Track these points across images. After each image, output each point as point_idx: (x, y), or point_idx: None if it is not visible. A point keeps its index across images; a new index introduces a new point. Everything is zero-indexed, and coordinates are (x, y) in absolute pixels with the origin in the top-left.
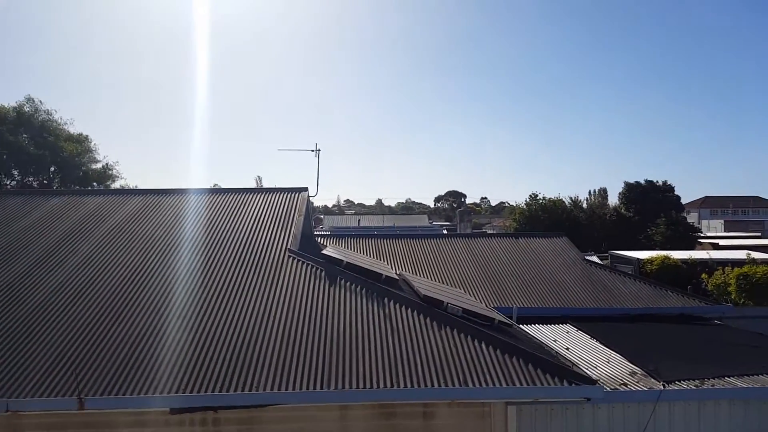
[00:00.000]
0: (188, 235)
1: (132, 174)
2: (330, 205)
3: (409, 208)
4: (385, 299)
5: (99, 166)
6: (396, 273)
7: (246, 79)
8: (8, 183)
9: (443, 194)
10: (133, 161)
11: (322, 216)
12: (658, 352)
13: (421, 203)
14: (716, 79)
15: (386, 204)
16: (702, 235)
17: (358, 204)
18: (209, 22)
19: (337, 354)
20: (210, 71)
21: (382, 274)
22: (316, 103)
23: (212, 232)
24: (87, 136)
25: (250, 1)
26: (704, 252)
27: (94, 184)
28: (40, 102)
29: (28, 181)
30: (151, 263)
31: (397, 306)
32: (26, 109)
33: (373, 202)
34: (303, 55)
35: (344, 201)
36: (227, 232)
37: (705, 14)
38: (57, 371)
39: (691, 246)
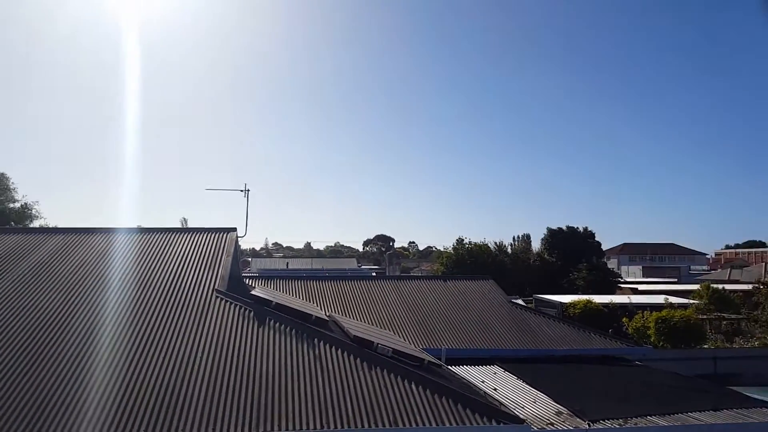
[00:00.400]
0: (113, 275)
1: (53, 214)
2: (258, 248)
3: (337, 251)
4: (315, 340)
5: (17, 205)
6: (326, 314)
7: (172, 118)
8: None
9: (372, 238)
10: (55, 201)
11: (249, 259)
12: (583, 392)
13: (350, 247)
14: (631, 132)
15: (315, 247)
16: (622, 280)
17: (286, 247)
18: (133, 57)
19: (266, 395)
20: (135, 108)
21: (311, 315)
22: (243, 145)
23: (138, 271)
24: (4, 173)
25: (175, 36)
26: (624, 296)
27: (12, 223)
28: None
29: None
30: (73, 304)
31: (327, 346)
32: None
33: (301, 245)
34: (230, 95)
35: (272, 244)
36: (153, 271)
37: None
38: None
39: (612, 291)
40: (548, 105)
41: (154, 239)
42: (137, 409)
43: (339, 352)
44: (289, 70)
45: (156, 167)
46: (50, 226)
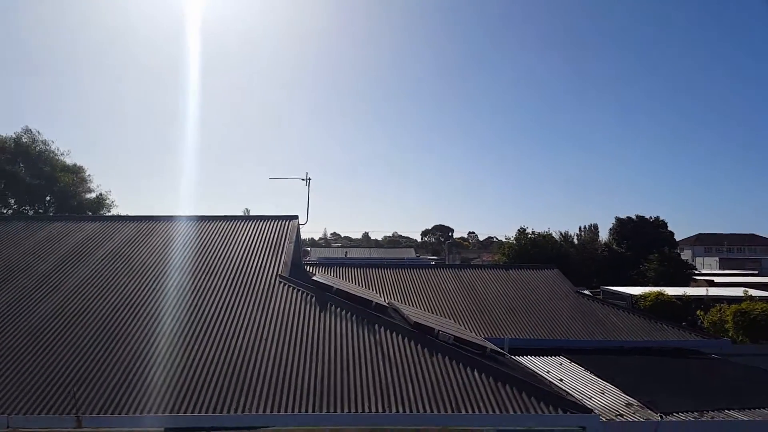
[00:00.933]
0: (181, 261)
1: (124, 203)
2: (317, 238)
3: (395, 241)
4: (376, 325)
5: (93, 195)
6: (386, 301)
7: (234, 111)
8: (5, 212)
9: (430, 228)
10: (125, 190)
11: (308, 248)
12: (655, 385)
13: (407, 237)
14: (709, 114)
15: (373, 237)
16: (697, 272)
17: (344, 237)
18: (200, 54)
19: (328, 378)
20: (201, 102)
21: (372, 301)
22: (303, 135)
23: (204, 257)
24: (81, 166)
25: (244, 35)
26: (700, 289)
27: (88, 213)
28: (38, 132)
29: (25, 210)
30: (145, 288)
31: (388, 332)
32: (24, 140)
33: (359, 236)
34: (289, 86)
35: (330, 234)
36: (219, 258)
37: (698, 55)
38: (55, 390)
39: (686, 283)
40: (619, 96)
41: (220, 227)
42: (205, 386)
43: (400, 337)
44: (350, 60)
45: (223, 159)
46: (124, 215)
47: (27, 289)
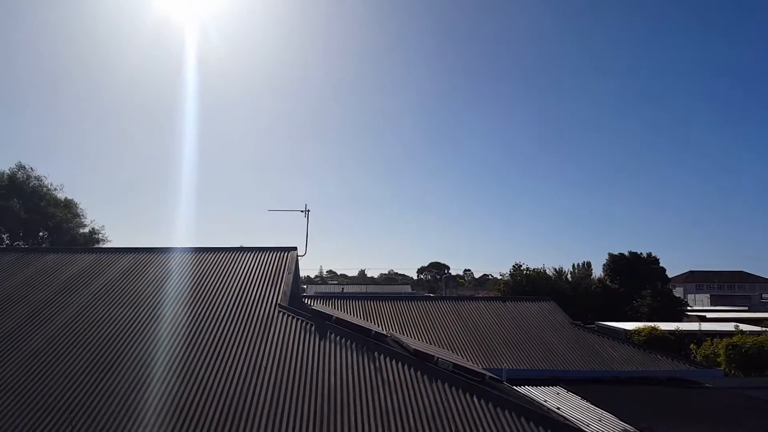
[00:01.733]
0: (179, 292)
1: (117, 237)
2: (312, 275)
3: (391, 279)
4: (375, 353)
5: (86, 230)
6: (385, 331)
7: (233, 145)
8: None
9: (426, 265)
10: (118, 224)
11: (305, 285)
12: (652, 413)
13: (403, 274)
14: (702, 157)
15: (369, 275)
16: (689, 308)
17: (340, 275)
18: (195, 83)
19: (328, 406)
20: (194, 134)
21: (371, 330)
22: (302, 167)
23: (203, 288)
24: (73, 200)
25: (239, 62)
26: (692, 324)
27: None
28: (31, 168)
29: (18, 245)
30: (142, 318)
31: (388, 359)
32: (18, 175)
33: (355, 273)
34: (288, 119)
35: (326, 272)
36: (217, 288)
37: (694, 94)
38: (51, 417)
39: (678, 319)
40: (615, 131)
41: (218, 258)
42: (204, 416)
43: (399, 365)
44: (353, 95)
45: (218, 193)
46: (120, 247)
47: (22, 319)
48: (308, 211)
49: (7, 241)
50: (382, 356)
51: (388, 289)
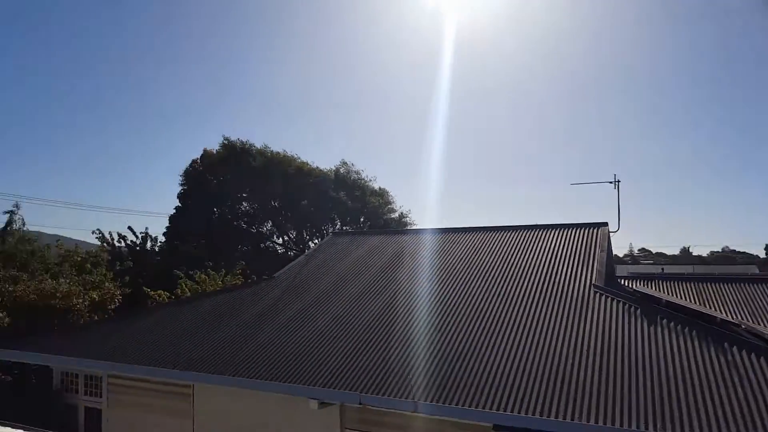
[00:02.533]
0: (486, 269)
1: (421, 220)
2: (621, 255)
3: (728, 257)
4: (725, 344)
5: (396, 215)
6: (735, 319)
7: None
8: (333, 229)
9: None
10: (419, 207)
11: (614, 266)
12: None
13: (744, 252)
14: None
15: (695, 253)
16: None
17: (656, 253)
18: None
19: (668, 399)
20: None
21: (716, 317)
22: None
23: (512, 265)
24: (386, 189)
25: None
26: None
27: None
28: (352, 164)
29: (345, 228)
30: (466, 292)
31: (744, 352)
32: (341, 171)
33: (676, 251)
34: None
35: (638, 250)
36: (527, 266)
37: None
38: (393, 376)
39: None
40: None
41: (524, 235)
42: (531, 390)
43: (761, 360)
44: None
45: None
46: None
47: (357, 293)
48: (618, 182)
49: (339, 225)
50: (735, 348)
51: (723, 269)
